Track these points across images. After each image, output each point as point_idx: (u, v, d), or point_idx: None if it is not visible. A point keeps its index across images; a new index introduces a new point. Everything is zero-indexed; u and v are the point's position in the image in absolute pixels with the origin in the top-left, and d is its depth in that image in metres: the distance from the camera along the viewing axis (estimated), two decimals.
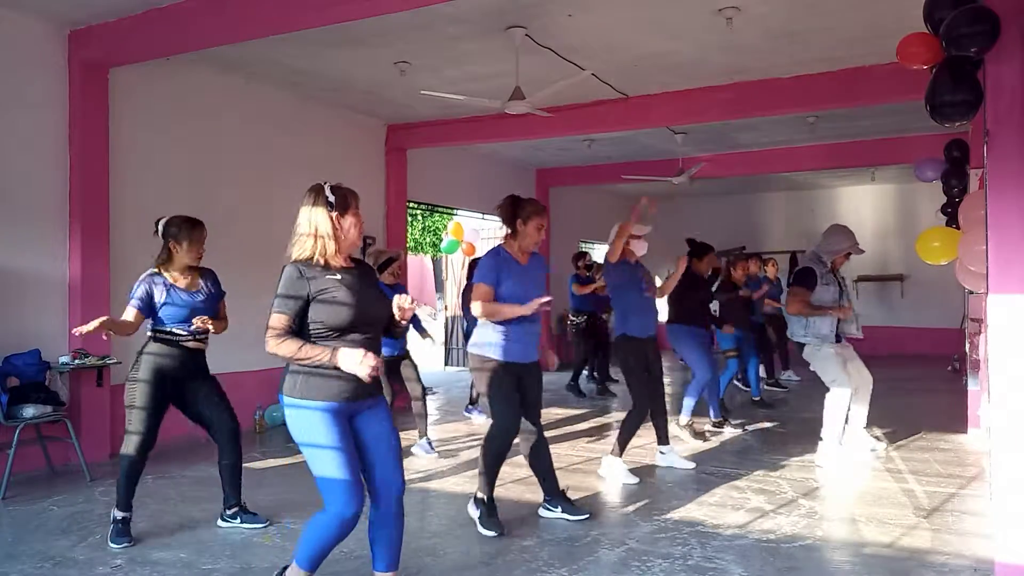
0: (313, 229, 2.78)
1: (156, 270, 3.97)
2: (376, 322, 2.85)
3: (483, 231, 11.12)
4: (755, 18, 5.76)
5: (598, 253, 13.87)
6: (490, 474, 4.06)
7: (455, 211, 11.54)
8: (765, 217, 15.32)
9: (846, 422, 5.47)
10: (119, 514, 3.94)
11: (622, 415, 5.34)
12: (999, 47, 3.22)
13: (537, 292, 4.06)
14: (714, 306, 7.63)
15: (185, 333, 3.96)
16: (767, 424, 7.12)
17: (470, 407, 7.80)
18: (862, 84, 6.93)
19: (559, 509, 4.27)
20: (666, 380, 6.14)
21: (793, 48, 6.47)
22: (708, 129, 9.57)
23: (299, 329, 2.74)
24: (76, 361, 5.43)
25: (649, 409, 5.19)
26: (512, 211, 4.10)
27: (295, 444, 2.82)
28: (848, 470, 5.34)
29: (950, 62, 3.54)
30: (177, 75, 6.59)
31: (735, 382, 8.75)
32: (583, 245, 13.60)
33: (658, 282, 6.13)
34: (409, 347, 6.15)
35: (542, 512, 4.31)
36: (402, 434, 3.15)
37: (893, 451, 5.92)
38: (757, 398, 8.14)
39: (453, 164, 10.64)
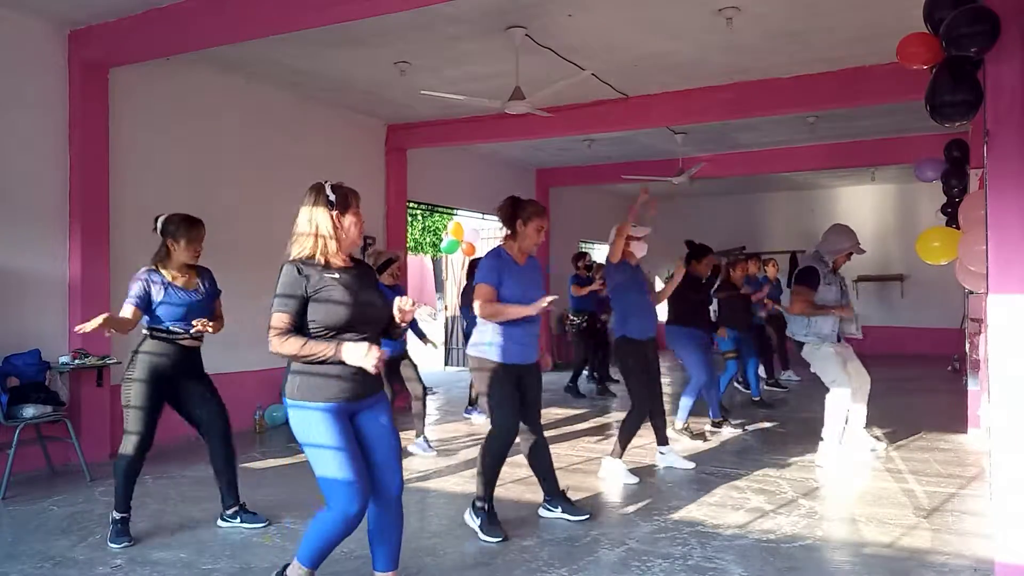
0: (313, 228, 2.78)
1: (153, 267, 3.97)
2: (373, 322, 2.84)
3: (483, 231, 11.12)
4: (755, 18, 5.76)
5: (598, 253, 13.88)
6: (490, 476, 4.02)
7: (455, 211, 11.54)
8: (765, 217, 15.32)
9: (846, 422, 5.47)
10: (117, 514, 3.94)
11: (622, 415, 5.34)
12: (999, 47, 3.22)
13: (536, 294, 4.05)
14: (713, 305, 7.62)
15: (181, 331, 3.96)
16: (767, 424, 7.12)
17: (470, 408, 7.80)
18: (862, 84, 6.93)
19: (559, 509, 4.26)
20: (665, 380, 6.13)
21: (793, 48, 6.47)
22: (708, 129, 9.58)
23: (300, 328, 2.74)
24: (76, 361, 5.43)
25: (648, 410, 5.19)
26: (512, 212, 4.08)
27: (295, 444, 2.82)
28: (848, 470, 5.33)
29: (950, 62, 3.54)
30: (177, 75, 6.59)
31: (735, 384, 8.76)
32: (583, 245, 13.60)
33: (658, 285, 6.14)
34: (408, 347, 6.16)
35: (542, 512, 4.31)
36: (400, 433, 3.14)
37: (893, 451, 5.92)
38: (757, 398, 8.14)
39: (453, 164, 10.64)
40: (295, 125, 7.81)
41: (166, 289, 3.92)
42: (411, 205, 10.16)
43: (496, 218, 4.25)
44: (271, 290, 2.76)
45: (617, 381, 9.37)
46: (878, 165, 11.49)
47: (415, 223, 18.22)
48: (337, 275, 2.77)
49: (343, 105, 8.29)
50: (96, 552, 3.81)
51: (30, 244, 5.57)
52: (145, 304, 3.89)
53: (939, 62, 3.68)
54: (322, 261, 2.78)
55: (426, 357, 9.67)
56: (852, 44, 6.35)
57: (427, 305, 24.29)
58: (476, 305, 3.97)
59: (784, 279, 9.79)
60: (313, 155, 7.88)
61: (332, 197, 2.79)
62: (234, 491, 4.21)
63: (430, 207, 11.26)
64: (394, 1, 4.82)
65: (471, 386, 7.68)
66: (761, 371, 9.18)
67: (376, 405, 2.88)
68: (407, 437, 6.02)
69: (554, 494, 4.28)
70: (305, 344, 2.67)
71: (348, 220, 2.83)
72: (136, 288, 3.88)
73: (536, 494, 4.40)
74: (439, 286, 22.72)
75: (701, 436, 6.40)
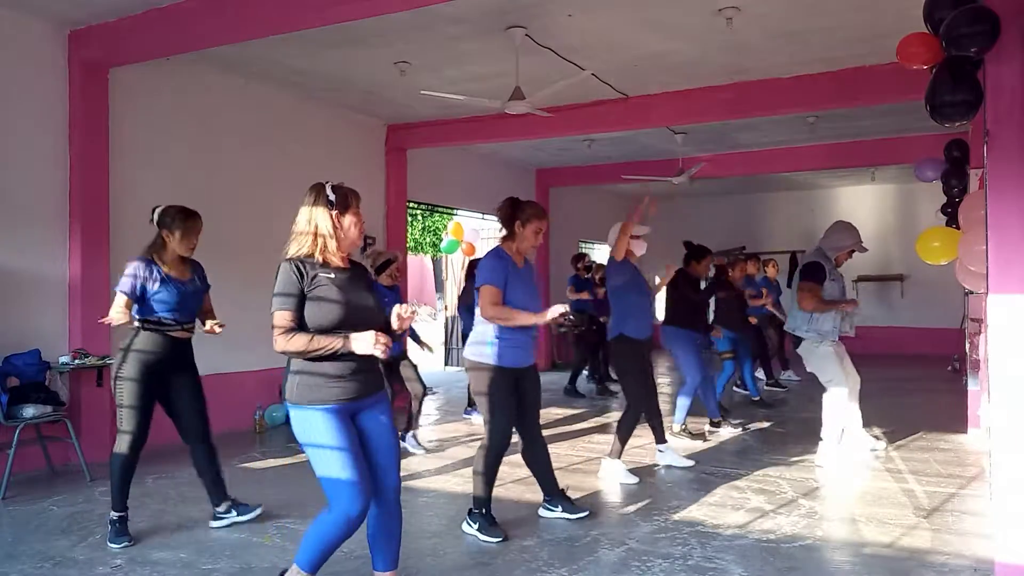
0: (313, 227, 2.78)
1: (149, 258, 3.97)
2: (366, 324, 2.78)
3: (483, 231, 11.12)
4: (755, 18, 5.76)
5: (598, 253, 13.89)
6: (488, 478, 4.00)
7: (455, 211, 11.54)
8: (765, 217, 15.32)
9: (844, 422, 5.47)
10: (115, 514, 3.94)
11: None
12: (999, 47, 3.21)
13: (535, 297, 4.06)
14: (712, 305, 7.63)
15: (173, 322, 3.96)
16: (767, 424, 7.12)
17: (470, 408, 7.80)
18: (862, 84, 6.93)
19: (559, 508, 4.26)
20: (664, 381, 6.13)
21: (793, 48, 6.47)
22: (708, 129, 9.58)
23: (302, 325, 2.73)
24: (76, 361, 5.43)
25: (644, 410, 5.19)
26: (511, 213, 4.05)
27: (295, 444, 2.82)
28: (848, 470, 5.33)
29: (950, 62, 3.54)
30: (177, 75, 6.59)
31: (735, 387, 8.75)
32: (583, 245, 13.61)
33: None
34: (408, 347, 6.16)
35: (542, 512, 4.31)
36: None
37: (893, 451, 5.92)
38: (757, 398, 8.14)
39: (453, 164, 10.64)
40: (295, 125, 7.81)
41: (162, 280, 3.93)
42: (411, 205, 10.16)
43: (496, 218, 4.23)
44: (271, 290, 2.76)
45: (616, 381, 9.37)
46: (878, 165, 11.49)
47: (415, 223, 18.23)
48: (333, 275, 2.77)
49: (343, 105, 8.30)
50: (96, 552, 3.81)
51: (30, 244, 5.57)
52: (138, 296, 3.89)
53: (939, 62, 3.68)
54: (320, 260, 2.78)
55: (425, 357, 9.67)
56: (852, 44, 6.35)
57: (427, 305, 24.37)
58: (481, 307, 3.91)
59: (784, 279, 9.80)
60: (313, 155, 7.88)
61: (332, 197, 2.79)
62: (221, 488, 4.22)
63: (430, 207, 11.26)
64: (394, 1, 4.82)
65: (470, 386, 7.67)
66: (760, 372, 9.20)
67: (377, 404, 2.88)
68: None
69: (553, 493, 4.28)
70: (313, 339, 2.67)
71: (348, 220, 2.83)
72: (128, 283, 3.87)
73: (536, 494, 4.40)
74: (439, 286, 22.74)
75: (701, 436, 6.40)
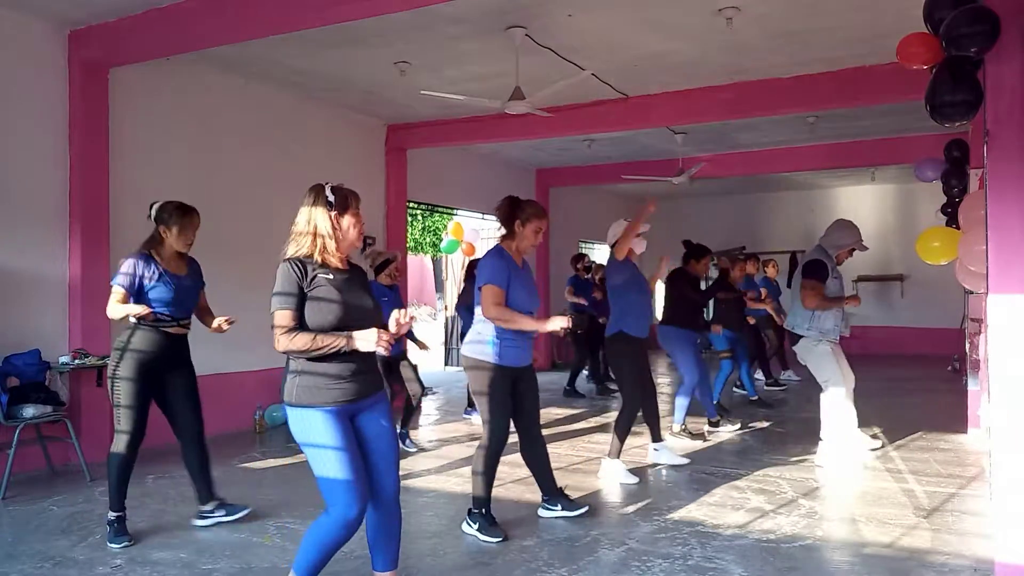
0: (312, 228, 2.78)
1: (147, 253, 3.97)
2: (364, 327, 2.74)
3: (483, 231, 11.13)
4: (755, 18, 5.76)
5: (598, 254, 13.89)
6: (487, 477, 3.99)
7: (455, 211, 11.54)
8: (765, 217, 15.32)
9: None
10: (113, 514, 3.94)
11: None
12: (999, 47, 3.21)
13: (535, 297, 4.06)
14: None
15: (168, 318, 3.96)
16: (767, 424, 7.12)
17: (470, 409, 7.79)
18: (862, 84, 6.93)
19: (558, 507, 4.26)
20: (664, 381, 6.13)
21: (793, 48, 6.47)
22: (708, 129, 9.58)
23: (303, 325, 2.72)
24: (76, 361, 5.43)
25: (640, 408, 5.19)
26: (510, 212, 4.03)
27: (296, 444, 2.81)
28: (848, 470, 5.33)
29: (950, 62, 3.54)
30: (177, 75, 6.59)
31: (735, 389, 8.75)
32: (583, 245, 13.61)
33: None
34: (407, 347, 6.16)
35: (541, 513, 4.31)
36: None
37: (893, 451, 5.92)
38: (754, 398, 8.14)
39: (453, 164, 10.65)
40: (295, 125, 7.81)
41: (159, 275, 3.93)
42: (411, 205, 10.16)
43: (495, 217, 4.23)
44: (271, 290, 2.76)
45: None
46: (878, 165, 11.49)
47: (415, 223, 18.23)
48: (331, 276, 2.77)
49: (343, 105, 8.30)
50: (96, 552, 3.81)
51: (30, 244, 5.57)
52: (134, 290, 3.90)
53: (939, 62, 3.68)
54: (319, 260, 2.78)
55: (425, 357, 9.68)
56: (852, 44, 6.35)
57: (427, 305, 24.39)
58: (484, 306, 3.88)
59: (784, 280, 9.80)
60: (313, 155, 7.88)
61: (331, 198, 2.80)
62: (210, 487, 4.23)
63: (430, 207, 11.26)
64: (394, 1, 4.82)
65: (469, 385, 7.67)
66: (759, 373, 9.20)
67: (376, 405, 2.88)
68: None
69: (552, 493, 4.28)
70: (316, 338, 2.66)
71: (346, 221, 2.83)
72: (126, 278, 3.87)
73: (536, 494, 4.40)
74: (439, 286, 22.75)
75: (700, 436, 6.40)
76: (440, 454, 6.02)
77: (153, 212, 4.04)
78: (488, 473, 3.99)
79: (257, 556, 3.73)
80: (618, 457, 5.11)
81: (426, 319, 22.35)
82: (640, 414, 5.24)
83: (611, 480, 5.07)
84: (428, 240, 19.54)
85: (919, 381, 10.14)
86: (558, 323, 3.84)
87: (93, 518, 4.35)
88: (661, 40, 6.27)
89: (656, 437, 5.50)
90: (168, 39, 5.53)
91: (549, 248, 12.11)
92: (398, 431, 5.91)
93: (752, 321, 8.60)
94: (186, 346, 4.14)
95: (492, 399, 3.92)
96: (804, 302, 5.28)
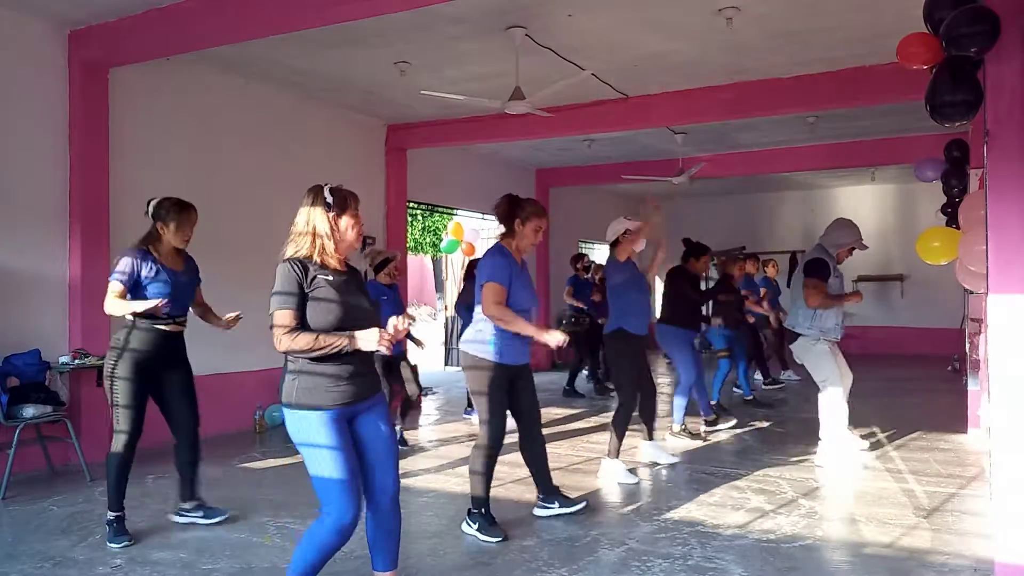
0: (311, 228, 2.78)
1: (145, 249, 3.97)
2: (362, 328, 2.73)
3: (483, 231, 11.14)
4: (755, 18, 5.76)
5: (598, 254, 13.89)
6: (486, 476, 3.98)
7: (455, 211, 11.54)
8: (765, 217, 15.33)
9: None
10: (112, 514, 3.94)
11: None
12: (999, 47, 3.21)
13: (533, 297, 4.06)
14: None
15: (165, 315, 3.95)
16: (766, 424, 7.12)
17: (469, 409, 7.79)
18: (862, 84, 6.93)
19: (556, 504, 4.26)
20: (664, 381, 6.13)
21: (793, 48, 6.47)
22: (708, 129, 9.58)
23: (304, 325, 2.72)
24: (76, 361, 5.43)
25: (636, 406, 5.20)
26: (510, 210, 4.02)
27: (295, 445, 2.81)
28: (848, 470, 5.33)
29: (950, 62, 3.54)
30: (177, 75, 6.59)
31: (735, 389, 8.75)
32: (583, 245, 13.61)
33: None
34: (407, 348, 6.16)
35: (537, 511, 4.29)
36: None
37: (893, 451, 5.92)
38: (749, 397, 8.16)
39: (453, 164, 10.65)
40: (295, 125, 7.81)
41: (157, 271, 3.93)
42: (411, 205, 10.16)
43: (494, 216, 4.22)
44: (270, 290, 2.75)
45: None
46: (878, 165, 11.49)
47: (415, 223, 18.22)
48: (330, 277, 2.76)
49: (343, 105, 8.30)
50: (96, 552, 3.81)
51: (30, 244, 5.57)
52: (131, 285, 3.89)
53: (939, 62, 3.68)
54: (317, 261, 2.77)
55: (425, 357, 9.67)
56: (852, 44, 6.35)
57: (427, 305, 24.39)
58: (485, 304, 3.87)
59: (784, 280, 9.80)
60: (313, 155, 7.88)
61: (330, 199, 2.79)
62: (195, 486, 4.24)
63: (430, 207, 11.26)
64: (394, 1, 4.82)
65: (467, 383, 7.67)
66: (757, 373, 9.19)
67: (374, 407, 2.87)
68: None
69: (549, 491, 4.27)
70: (318, 338, 2.65)
71: (345, 222, 2.82)
72: (121, 274, 3.87)
73: (535, 494, 4.39)
74: (439, 286, 22.76)
75: (699, 436, 6.40)
76: (440, 454, 6.02)
77: (150, 208, 4.04)
78: (486, 472, 3.98)
79: (257, 556, 3.73)
80: (617, 457, 5.11)
81: (426, 319, 22.35)
82: (636, 413, 5.25)
83: (611, 480, 5.07)
84: (428, 240, 19.54)
85: (919, 381, 10.14)
86: (555, 338, 3.82)
87: (93, 518, 4.35)
88: (661, 40, 6.27)
89: (649, 436, 5.52)
90: (168, 39, 5.53)
91: (549, 248, 12.11)
92: (396, 428, 5.95)
93: (751, 320, 8.60)
94: (182, 344, 4.14)
95: (491, 398, 3.92)
96: (807, 300, 5.27)
